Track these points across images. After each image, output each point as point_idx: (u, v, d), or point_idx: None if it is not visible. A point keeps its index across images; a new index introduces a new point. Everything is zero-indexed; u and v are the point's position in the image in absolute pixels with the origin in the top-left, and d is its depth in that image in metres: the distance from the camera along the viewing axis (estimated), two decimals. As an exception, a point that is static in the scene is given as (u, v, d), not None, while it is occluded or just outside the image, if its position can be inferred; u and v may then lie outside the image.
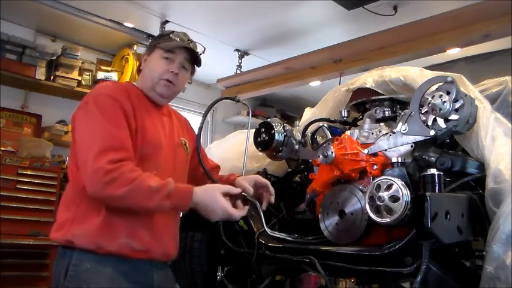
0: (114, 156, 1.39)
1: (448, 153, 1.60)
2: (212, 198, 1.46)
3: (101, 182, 1.36)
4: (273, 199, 1.67)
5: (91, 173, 1.38)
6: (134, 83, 1.70)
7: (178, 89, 1.69)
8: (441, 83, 1.43)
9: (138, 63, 4.27)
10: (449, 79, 1.41)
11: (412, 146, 1.50)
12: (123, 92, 1.56)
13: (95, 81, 4.28)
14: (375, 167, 1.52)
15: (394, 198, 1.27)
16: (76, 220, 1.46)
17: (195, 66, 1.73)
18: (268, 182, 1.69)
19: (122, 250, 1.44)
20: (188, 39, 1.69)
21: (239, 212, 1.50)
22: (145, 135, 1.53)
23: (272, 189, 1.68)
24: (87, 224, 1.44)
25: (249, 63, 4.64)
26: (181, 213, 1.72)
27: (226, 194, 1.49)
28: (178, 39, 1.66)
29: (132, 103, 1.54)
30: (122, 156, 1.41)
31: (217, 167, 1.87)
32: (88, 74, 4.29)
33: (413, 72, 1.62)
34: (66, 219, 1.48)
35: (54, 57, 4.08)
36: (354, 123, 1.91)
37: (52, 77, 4.04)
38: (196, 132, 1.78)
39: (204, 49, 1.76)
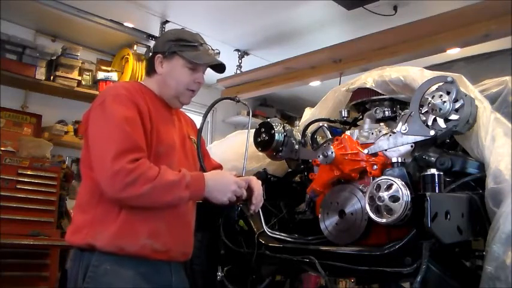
0: (132, 156, 1.39)
1: (448, 153, 1.60)
2: (224, 175, 1.55)
3: (122, 183, 1.35)
4: (252, 208, 1.60)
5: (111, 175, 1.36)
6: (143, 83, 1.69)
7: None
8: (441, 83, 1.43)
9: (143, 63, 4.25)
10: (449, 79, 1.41)
11: (412, 146, 1.50)
12: (139, 93, 1.57)
13: (95, 81, 4.28)
14: (375, 167, 1.52)
15: (394, 198, 1.27)
16: (95, 222, 1.45)
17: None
18: (257, 189, 1.61)
19: (143, 251, 1.44)
20: (214, 50, 1.68)
21: (242, 182, 1.56)
22: (160, 136, 1.54)
23: (256, 199, 1.60)
24: (108, 226, 1.43)
25: (249, 63, 4.64)
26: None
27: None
28: (202, 48, 1.63)
29: (147, 104, 1.54)
30: (138, 156, 1.41)
31: (220, 167, 1.87)
32: (88, 74, 4.28)
33: (413, 72, 1.62)
34: (83, 222, 1.47)
35: (54, 57, 4.07)
36: (354, 123, 1.91)
37: (52, 77, 4.03)
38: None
39: (219, 52, 1.75)
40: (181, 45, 1.62)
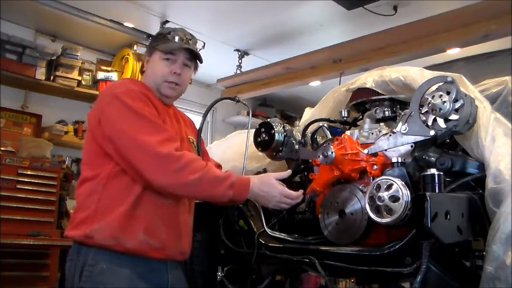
0: (176, 145, 1.40)
1: (448, 153, 1.60)
2: (270, 185, 1.53)
3: (171, 168, 1.36)
4: None
5: (160, 159, 1.37)
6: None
7: (183, 88, 1.70)
8: (441, 83, 1.43)
9: (140, 64, 4.27)
10: (449, 79, 1.41)
11: (412, 146, 1.50)
12: (146, 88, 1.59)
13: (95, 81, 4.28)
14: (375, 167, 1.52)
15: (394, 198, 1.27)
16: (96, 216, 1.45)
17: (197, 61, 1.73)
18: None
19: (141, 247, 1.43)
20: (187, 38, 1.67)
21: (296, 193, 1.57)
22: None
23: None
24: (107, 219, 1.43)
25: (249, 63, 4.64)
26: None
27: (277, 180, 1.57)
28: (177, 38, 1.64)
29: (151, 100, 1.56)
30: (178, 147, 1.42)
31: (219, 167, 1.87)
32: (88, 74, 4.29)
33: (413, 72, 1.62)
34: (84, 217, 1.46)
35: (54, 57, 4.08)
36: (354, 123, 1.91)
37: (52, 77, 4.04)
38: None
39: (204, 44, 1.75)
40: (157, 39, 1.67)
